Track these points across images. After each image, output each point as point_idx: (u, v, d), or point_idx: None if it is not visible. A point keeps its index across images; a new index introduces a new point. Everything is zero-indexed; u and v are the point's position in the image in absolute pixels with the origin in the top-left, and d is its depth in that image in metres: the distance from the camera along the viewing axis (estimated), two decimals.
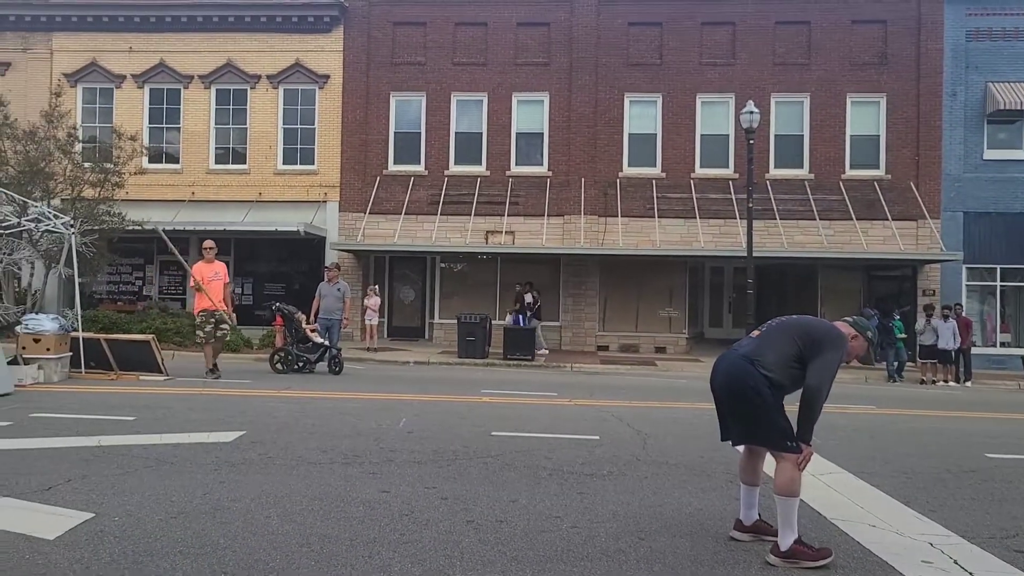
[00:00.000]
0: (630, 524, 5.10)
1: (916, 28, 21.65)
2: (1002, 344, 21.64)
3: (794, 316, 4.86)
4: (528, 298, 20.21)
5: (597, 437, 8.20)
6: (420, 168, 22.75)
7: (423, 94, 22.79)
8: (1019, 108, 20.74)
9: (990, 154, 21.55)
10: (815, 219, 21.11)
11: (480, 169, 22.59)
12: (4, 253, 17.79)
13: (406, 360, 17.92)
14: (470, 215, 21.95)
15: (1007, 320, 21.80)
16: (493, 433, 8.22)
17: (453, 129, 22.81)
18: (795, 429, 4.45)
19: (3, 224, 13.75)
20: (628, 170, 22.33)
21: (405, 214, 22.14)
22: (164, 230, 14.12)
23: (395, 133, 22.97)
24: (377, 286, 21.22)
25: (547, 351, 20.12)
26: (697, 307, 24.82)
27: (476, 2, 22.67)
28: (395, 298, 23.34)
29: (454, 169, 22.64)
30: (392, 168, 22.82)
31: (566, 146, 22.39)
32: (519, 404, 10.87)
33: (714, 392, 4.81)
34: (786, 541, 4.38)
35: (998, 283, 21.54)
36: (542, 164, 22.58)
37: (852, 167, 21.87)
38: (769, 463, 4.73)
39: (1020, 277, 21.60)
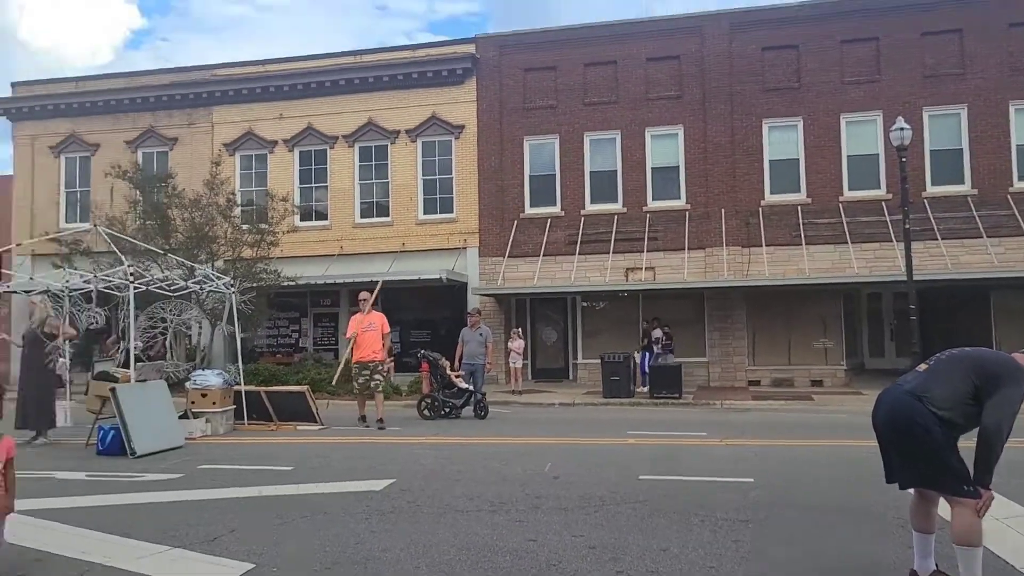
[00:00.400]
0: (791, 574, 4.78)
1: None
2: None
3: (966, 348, 4.45)
4: (657, 333, 19.87)
5: (751, 479, 7.82)
6: (556, 209, 22.90)
7: (556, 136, 23.02)
8: None
9: None
10: (981, 236, 19.64)
11: (616, 206, 22.48)
12: (174, 314, 19.15)
13: (551, 402, 17.86)
14: (608, 253, 21.83)
15: None
16: (641, 477, 8.01)
17: (587, 169, 22.86)
18: (972, 471, 4.05)
19: (172, 288, 14.78)
20: (770, 198, 21.62)
21: (543, 255, 22.28)
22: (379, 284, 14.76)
23: (530, 176, 23.26)
24: (520, 328, 21.36)
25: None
26: (855, 336, 23.55)
27: (604, 42, 22.78)
28: (538, 339, 23.41)
29: (590, 208, 22.64)
30: (529, 211, 23.08)
31: (703, 177, 21.95)
32: (667, 445, 10.56)
33: (876, 430, 4.48)
34: None
35: None
36: (679, 198, 22.21)
37: (1021, 179, 20.29)
38: (944, 507, 4.33)
39: None
